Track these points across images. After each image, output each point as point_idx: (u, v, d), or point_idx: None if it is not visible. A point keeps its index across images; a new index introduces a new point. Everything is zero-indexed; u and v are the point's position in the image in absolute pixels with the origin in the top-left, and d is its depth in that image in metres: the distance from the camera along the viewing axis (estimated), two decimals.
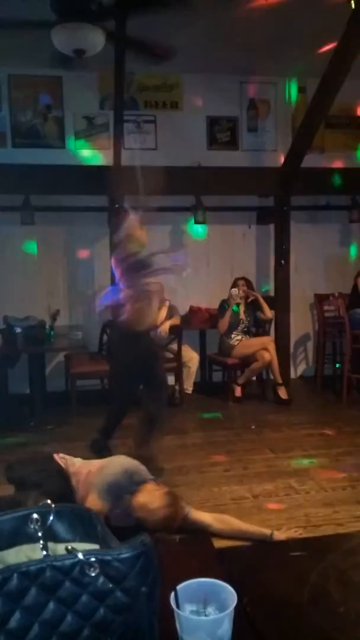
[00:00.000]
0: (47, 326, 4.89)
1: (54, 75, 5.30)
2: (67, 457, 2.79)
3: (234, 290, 5.20)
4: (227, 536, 2.54)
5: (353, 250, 6.20)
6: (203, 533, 2.33)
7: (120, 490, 2.48)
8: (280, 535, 2.51)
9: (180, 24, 3.96)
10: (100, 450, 3.51)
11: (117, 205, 5.15)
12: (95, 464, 2.71)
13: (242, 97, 5.78)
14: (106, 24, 3.49)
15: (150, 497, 2.39)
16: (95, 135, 5.55)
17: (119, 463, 2.61)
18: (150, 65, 4.30)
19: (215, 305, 5.43)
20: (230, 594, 0.80)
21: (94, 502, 2.45)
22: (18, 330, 4.65)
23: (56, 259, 5.65)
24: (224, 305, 5.26)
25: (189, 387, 5.22)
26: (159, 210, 5.59)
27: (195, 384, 5.38)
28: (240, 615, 0.79)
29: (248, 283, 5.38)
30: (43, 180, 4.99)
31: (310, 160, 5.28)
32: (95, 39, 3.44)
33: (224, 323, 5.22)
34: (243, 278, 5.40)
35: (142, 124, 5.62)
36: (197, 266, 5.91)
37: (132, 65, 4.55)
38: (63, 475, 2.64)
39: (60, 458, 2.75)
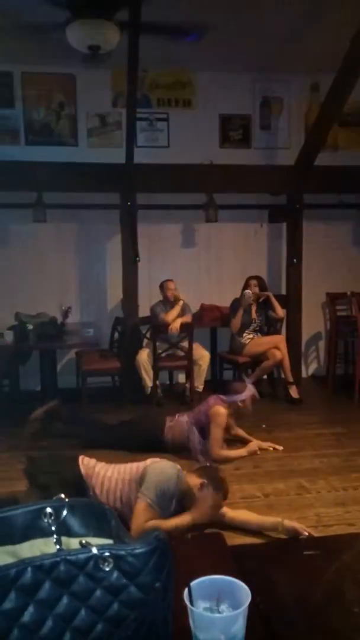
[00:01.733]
0: (58, 323, 4.91)
1: (67, 72, 5.32)
2: (92, 461, 2.75)
3: (247, 292, 5.16)
4: (239, 527, 2.63)
5: None
6: (215, 532, 2.32)
7: (171, 497, 2.52)
8: (289, 523, 2.53)
9: (193, 23, 3.95)
10: None
11: (128, 203, 5.16)
12: (121, 469, 2.68)
13: (255, 95, 5.75)
14: (121, 16, 3.46)
15: (204, 507, 2.53)
16: (108, 133, 5.55)
17: (168, 467, 2.58)
18: (172, 50, 4.18)
19: (226, 303, 5.41)
20: (244, 592, 0.79)
21: (144, 511, 2.44)
22: (30, 327, 4.67)
23: (68, 256, 5.67)
24: (236, 304, 5.24)
25: (199, 385, 5.21)
26: (171, 207, 5.62)
27: (206, 382, 5.37)
28: (253, 613, 0.78)
29: (261, 281, 5.35)
30: (55, 178, 5.01)
31: (324, 158, 5.24)
32: (109, 34, 3.44)
33: (236, 322, 5.20)
34: (256, 277, 5.36)
35: (155, 121, 5.61)
36: (209, 264, 5.90)
37: (145, 63, 4.55)
38: (78, 482, 2.62)
39: (83, 464, 2.71)
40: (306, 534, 2.45)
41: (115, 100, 5.50)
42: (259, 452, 3.79)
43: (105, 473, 2.68)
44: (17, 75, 5.35)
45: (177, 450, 3.67)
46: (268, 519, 2.67)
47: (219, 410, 3.74)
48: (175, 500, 2.53)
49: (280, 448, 3.86)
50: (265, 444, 3.89)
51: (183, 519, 2.49)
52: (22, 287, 5.41)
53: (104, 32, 3.44)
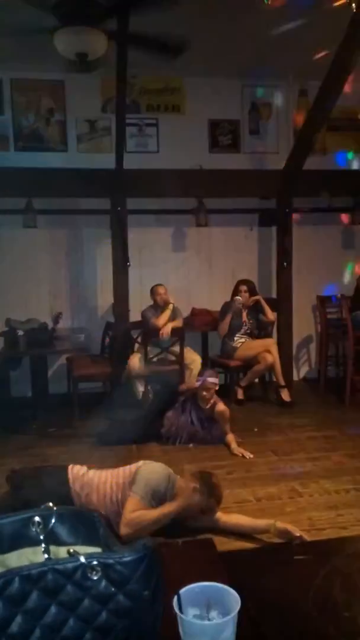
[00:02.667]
0: (49, 328, 4.90)
1: (56, 79, 5.33)
2: (83, 469, 2.73)
3: (238, 299, 5.19)
4: (232, 530, 2.66)
5: (355, 252, 6.19)
6: (206, 539, 2.31)
7: (162, 495, 2.56)
8: (282, 525, 2.54)
9: (182, 28, 3.96)
10: None
11: (119, 208, 5.16)
12: (115, 473, 2.69)
13: (243, 100, 5.79)
14: (109, 24, 3.48)
15: (189, 497, 2.55)
16: (98, 139, 5.56)
17: (160, 467, 2.66)
18: (158, 60, 4.25)
19: (217, 307, 5.42)
20: (233, 598, 0.79)
21: (133, 506, 2.47)
22: (20, 333, 4.65)
23: (58, 262, 5.65)
24: (225, 308, 5.26)
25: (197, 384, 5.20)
26: (161, 212, 5.63)
27: None
28: (244, 619, 0.78)
29: (250, 285, 5.36)
30: (45, 184, 5.00)
31: (313, 162, 5.28)
32: (97, 42, 3.44)
33: (224, 326, 5.22)
34: (245, 281, 5.37)
35: (144, 127, 5.63)
36: (199, 268, 5.91)
37: (134, 68, 4.56)
38: (65, 491, 2.60)
39: (72, 473, 2.68)
40: (298, 535, 2.46)
41: (104, 106, 5.51)
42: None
43: (99, 479, 2.67)
44: (6, 82, 5.34)
45: None
46: (261, 522, 2.69)
47: (224, 407, 4.19)
48: (167, 500, 2.55)
49: (251, 456, 3.87)
50: (238, 450, 3.95)
51: (168, 507, 2.51)
52: (12, 293, 5.39)
53: (91, 39, 3.44)
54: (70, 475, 2.67)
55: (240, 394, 5.19)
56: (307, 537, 2.49)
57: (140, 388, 5.01)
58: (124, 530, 2.43)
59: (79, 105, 5.48)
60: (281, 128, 5.84)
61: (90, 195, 5.22)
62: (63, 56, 3.71)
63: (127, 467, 2.70)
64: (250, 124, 5.82)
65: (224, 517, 2.71)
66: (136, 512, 2.47)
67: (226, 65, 5.16)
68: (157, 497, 2.56)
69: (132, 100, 5.47)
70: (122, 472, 2.68)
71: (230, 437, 4.09)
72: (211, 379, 4.13)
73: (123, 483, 2.60)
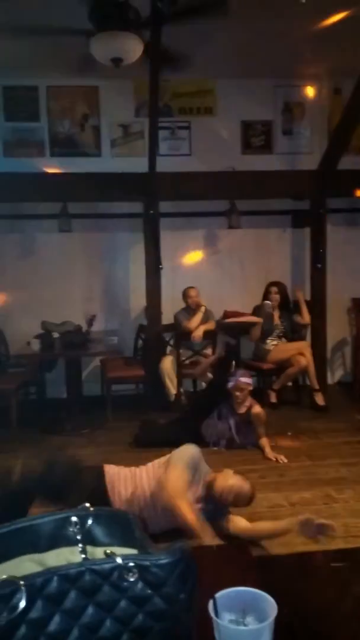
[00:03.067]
0: (83, 331, 4.96)
1: (90, 85, 5.40)
2: (116, 468, 2.76)
3: (267, 303, 5.13)
4: (246, 537, 2.53)
5: None
6: (241, 543, 2.30)
7: (195, 467, 2.58)
8: (302, 516, 2.29)
9: (213, 30, 3.97)
10: None
11: (151, 211, 5.19)
12: (148, 468, 2.72)
13: (276, 101, 5.74)
14: (142, 31, 3.52)
15: (232, 479, 2.59)
16: (131, 143, 5.61)
17: (190, 446, 2.69)
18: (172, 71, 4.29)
19: (249, 309, 5.39)
20: (270, 604, 0.78)
21: (178, 473, 2.48)
22: (55, 335, 4.72)
23: (92, 265, 5.73)
24: (255, 311, 5.21)
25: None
26: (194, 215, 5.64)
27: None
28: (280, 626, 0.77)
29: (281, 287, 5.30)
30: (80, 188, 5.07)
31: (348, 162, 5.20)
32: (132, 47, 3.48)
33: (256, 332, 5.16)
34: (276, 283, 5.32)
35: (177, 130, 5.65)
36: (232, 271, 5.89)
37: (166, 72, 4.59)
38: (98, 492, 2.62)
39: (109, 474, 2.71)
40: (321, 522, 2.18)
41: (137, 110, 5.55)
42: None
43: (133, 474, 2.70)
44: (42, 89, 5.45)
45: None
46: (281, 522, 2.49)
47: (260, 409, 4.14)
48: (200, 476, 2.59)
49: (285, 460, 3.83)
50: (272, 454, 3.91)
51: (197, 523, 2.40)
52: (48, 296, 5.48)
53: (127, 44, 3.47)
54: (106, 472, 2.70)
55: (273, 398, 5.14)
56: (343, 545, 2.42)
57: (173, 390, 5.02)
58: (166, 498, 2.43)
59: (113, 110, 5.54)
60: (315, 128, 5.77)
61: (123, 199, 5.28)
62: (96, 60, 3.76)
63: (157, 460, 2.72)
64: (283, 125, 5.78)
65: (233, 526, 2.57)
66: (179, 489, 2.44)
67: (259, 66, 5.13)
68: (193, 468, 2.55)
69: (165, 103, 5.50)
70: (156, 464, 2.70)
71: (265, 441, 4.04)
72: (244, 379, 4.07)
73: (158, 474, 2.61)
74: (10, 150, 5.45)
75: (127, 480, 2.66)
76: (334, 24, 4.23)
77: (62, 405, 4.97)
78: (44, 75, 5.24)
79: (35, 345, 4.67)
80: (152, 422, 4.43)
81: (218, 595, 0.77)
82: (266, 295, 5.23)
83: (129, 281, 5.74)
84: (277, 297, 5.19)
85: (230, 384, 4.11)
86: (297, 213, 5.79)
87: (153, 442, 3.80)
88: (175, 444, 2.89)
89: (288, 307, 5.27)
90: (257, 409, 4.09)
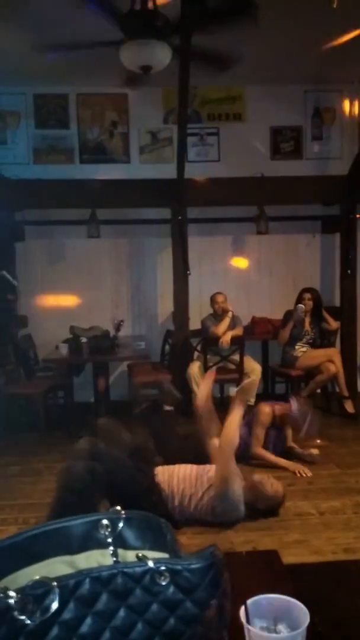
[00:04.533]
0: (111, 336, 5.00)
1: (119, 92, 5.47)
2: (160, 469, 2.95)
3: (300, 307, 5.05)
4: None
5: None
6: (271, 550, 2.27)
7: None
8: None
9: (243, 36, 3.97)
10: None
11: (179, 217, 5.21)
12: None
13: (306, 106, 5.71)
14: (171, 39, 3.54)
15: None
16: (159, 149, 5.65)
17: None
18: (212, 74, 4.32)
19: (277, 315, 5.34)
20: (302, 613, 0.77)
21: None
22: (83, 340, 4.77)
23: (120, 271, 5.77)
24: (287, 316, 5.16)
25: (251, 399, 5.15)
26: (222, 220, 5.64)
27: (257, 395, 5.29)
28: (312, 634, 0.76)
29: (315, 294, 5.21)
30: (109, 195, 5.13)
31: None
32: (162, 55, 3.50)
33: (284, 334, 5.11)
34: (310, 289, 5.25)
35: (205, 136, 5.67)
36: (260, 276, 5.85)
37: (195, 79, 4.61)
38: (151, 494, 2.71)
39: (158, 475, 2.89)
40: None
41: (166, 117, 5.60)
42: (299, 475, 3.68)
43: (176, 472, 2.90)
44: (72, 97, 5.54)
45: None
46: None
47: (263, 408, 3.91)
48: None
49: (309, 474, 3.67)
50: (299, 467, 3.74)
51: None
52: (76, 301, 5.55)
53: (156, 52, 3.50)
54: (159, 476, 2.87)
55: None
56: None
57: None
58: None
59: (142, 117, 5.59)
60: (345, 133, 5.71)
61: (151, 205, 5.31)
62: (126, 68, 3.80)
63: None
64: (313, 130, 5.74)
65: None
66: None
67: (288, 72, 5.12)
68: None
69: (193, 110, 5.53)
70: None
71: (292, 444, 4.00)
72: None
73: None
74: (40, 157, 5.55)
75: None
76: None
77: (90, 409, 5.01)
78: (74, 83, 5.33)
79: (64, 350, 4.73)
80: (168, 431, 4.28)
81: (249, 601, 0.76)
82: (299, 301, 5.17)
83: (157, 287, 5.77)
84: (310, 303, 5.12)
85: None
86: (327, 218, 5.74)
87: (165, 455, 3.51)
88: (187, 461, 2.95)
89: (320, 314, 5.19)
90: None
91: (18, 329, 5.44)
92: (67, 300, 5.56)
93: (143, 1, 3.41)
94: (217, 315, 5.21)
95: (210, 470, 2.90)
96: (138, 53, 3.53)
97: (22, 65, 4.77)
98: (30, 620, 0.60)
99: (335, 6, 3.16)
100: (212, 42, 3.63)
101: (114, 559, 0.72)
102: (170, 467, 2.95)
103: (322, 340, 5.31)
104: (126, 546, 0.75)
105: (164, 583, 0.65)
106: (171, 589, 0.66)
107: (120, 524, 0.75)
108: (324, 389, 5.29)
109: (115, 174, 5.35)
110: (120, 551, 0.74)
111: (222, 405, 5.35)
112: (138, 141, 5.65)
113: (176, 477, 2.86)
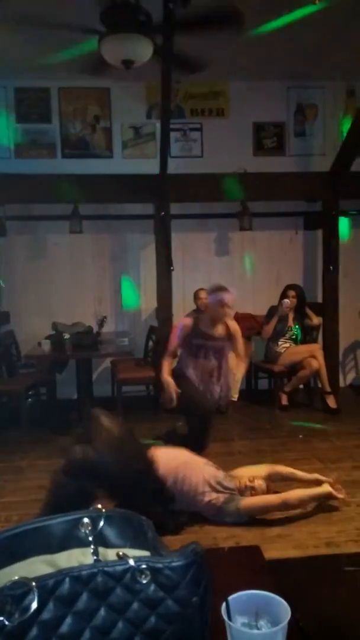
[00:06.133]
0: (94, 332, 4.97)
1: (102, 86, 5.42)
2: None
3: (286, 301, 5.08)
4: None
5: None
6: (252, 546, 2.28)
7: None
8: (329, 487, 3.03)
9: (226, 33, 3.96)
10: None
11: (162, 213, 5.19)
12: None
13: (289, 102, 5.72)
14: (153, 34, 3.52)
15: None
16: (142, 144, 5.62)
17: None
18: (184, 74, 4.32)
19: (261, 312, 5.37)
20: (283, 608, 0.77)
21: None
22: (66, 336, 4.74)
23: (103, 266, 5.74)
24: (271, 311, 5.19)
25: (234, 395, 5.16)
26: (205, 217, 5.63)
27: (241, 391, 5.31)
28: (293, 630, 0.76)
29: (299, 291, 5.23)
30: (91, 190, 5.09)
31: None
32: (143, 50, 3.48)
33: (268, 330, 5.15)
34: (294, 286, 5.27)
35: (189, 132, 5.65)
36: (243, 273, 5.87)
37: (178, 74, 4.59)
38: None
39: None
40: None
41: (149, 112, 5.56)
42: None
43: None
44: (54, 91, 5.48)
45: None
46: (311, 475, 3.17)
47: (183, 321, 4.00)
48: None
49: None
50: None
51: None
52: (59, 297, 5.51)
53: (138, 46, 3.48)
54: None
55: (284, 400, 5.12)
56: (355, 549, 2.42)
57: None
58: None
59: (124, 111, 5.55)
60: (328, 129, 5.74)
61: (134, 200, 5.29)
62: (109, 63, 3.77)
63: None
64: (295, 126, 5.75)
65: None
66: None
67: (270, 68, 5.12)
68: None
69: (176, 105, 5.51)
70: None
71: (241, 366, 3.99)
72: (228, 295, 3.78)
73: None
74: (21, 152, 5.48)
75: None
76: (347, 26, 4.21)
77: (73, 406, 4.98)
78: (56, 76, 5.27)
79: (46, 346, 4.69)
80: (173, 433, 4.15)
81: (231, 598, 0.76)
82: (283, 297, 5.19)
83: (140, 283, 5.75)
84: (294, 300, 5.14)
85: (211, 301, 3.87)
86: (310, 215, 5.77)
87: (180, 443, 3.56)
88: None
89: (303, 311, 5.22)
90: (232, 323, 3.90)
91: None
92: (50, 296, 5.51)
93: None
94: (201, 311, 5.20)
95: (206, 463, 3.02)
96: (119, 47, 3.49)
97: (3, 58, 4.70)
98: (8, 621, 0.59)
99: (317, 3, 3.17)
100: (194, 37, 3.61)
101: (95, 557, 0.72)
102: (169, 451, 3.02)
103: (304, 336, 5.35)
104: (107, 544, 0.74)
105: (144, 581, 0.65)
106: (152, 587, 0.65)
107: (101, 523, 0.75)
108: (307, 384, 5.33)
109: (97, 169, 5.31)
110: (101, 549, 0.73)
111: None
112: (121, 136, 5.61)
113: (175, 462, 2.91)
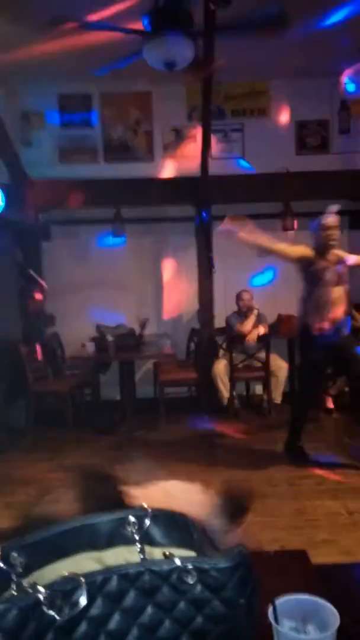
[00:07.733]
0: (136, 334, 5.02)
1: (143, 90, 5.47)
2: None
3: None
4: None
5: None
6: (299, 550, 2.24)
7: None
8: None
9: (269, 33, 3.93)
10: (296, 456, 3.74)
11: (203, 214, 5.19)
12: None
13: (333, 99, 5.62)
14: (196, 38, 3.53)
15: None
16: (183, 147, 5.64)
17: None
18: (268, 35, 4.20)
19: None
20: (332, 614, 0.75)
21: None
22: (110, 338, 4.81)
23: (145, 269, 5.79)
24: None
25: (277, 397, 5.11)
26: (247, 217, 5.58)
27: (284, 393, 5.25)
28: (341, 637, 0.75)
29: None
30: (133, 193, 5.14)
31: None
32: (185, 51, 3.49)
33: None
34: None
35: (230, 132, 5.63)
36: (286, 273, 5.78)
37: (219, 75, 4.58)
38: None
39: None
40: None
41: (190, 114, 5.58)
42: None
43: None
44: (96, 97, 5.57)
45: None
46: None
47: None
48: None
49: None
50: None
51: None
52: (102, 300, 5.59)
53: (180, 48, 3.49)
54: None
55: (329, 403, 5.02)
56: None
57: (225, 394, 5.00)
58: None
59: (165, 114, 5.59)
60: None
61: (176, 202, 5.31)
62: (149, 66, 3.79)
63: None
64: (340, 123, 5.64)
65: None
66: None
67: (313, 65, 5.04)
68: None
69: (217, 106, 5.50)
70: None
71: None
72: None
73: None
74: (65, 157, 5.60)
75: None
76: None
77: (116, 407, 5.04)
78: (97, 82, 5.35)
79: (90, 348, 4.77)
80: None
81: (278, 601, 0.75)
82: None
83: (182, 285, 5.76)
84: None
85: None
86: (355, 214, 5.64)
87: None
88: None
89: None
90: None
91: (46, 327, 5.50)
92: (93, 299, 5.60)
93: None
94: (242, 312, 5.18)
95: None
96: (162, 49, 3.51)
97: (47, 66, 4.81)
98: (59, 615, 0.61)
99: None
100: (235, 38, 3.60)
101: (141, 556, 0.72)
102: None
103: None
104: (153, 543, 0.75)
105: (191, 582, 0.65)
106: (198, 587, 0.65)
107: (147, 521, 0.75)
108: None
109: (139, 173, 5.36)
110: (147, 548, 0.74)
111: (248, 405, 5.35)
112: (162, 139, 5.64)
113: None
